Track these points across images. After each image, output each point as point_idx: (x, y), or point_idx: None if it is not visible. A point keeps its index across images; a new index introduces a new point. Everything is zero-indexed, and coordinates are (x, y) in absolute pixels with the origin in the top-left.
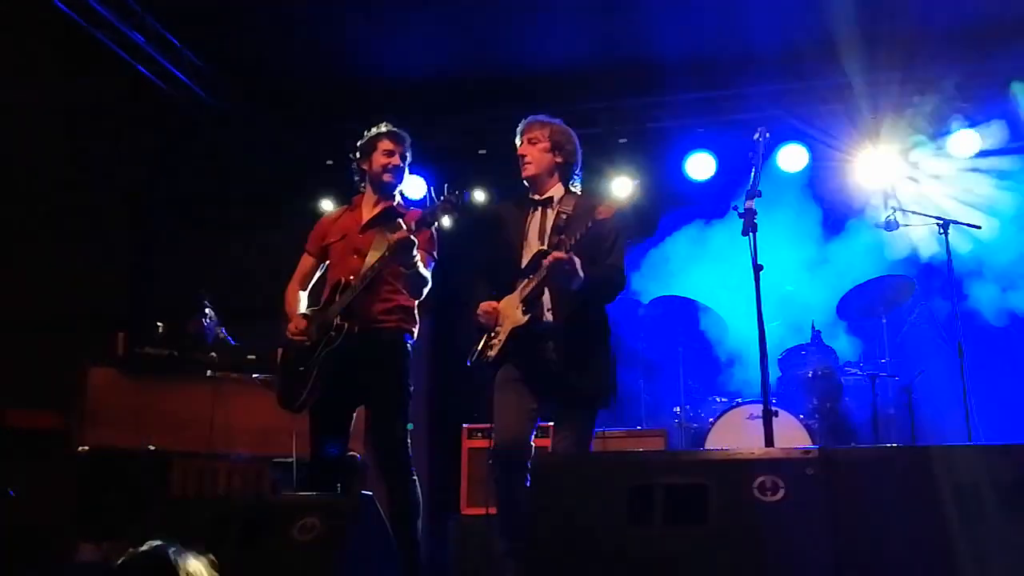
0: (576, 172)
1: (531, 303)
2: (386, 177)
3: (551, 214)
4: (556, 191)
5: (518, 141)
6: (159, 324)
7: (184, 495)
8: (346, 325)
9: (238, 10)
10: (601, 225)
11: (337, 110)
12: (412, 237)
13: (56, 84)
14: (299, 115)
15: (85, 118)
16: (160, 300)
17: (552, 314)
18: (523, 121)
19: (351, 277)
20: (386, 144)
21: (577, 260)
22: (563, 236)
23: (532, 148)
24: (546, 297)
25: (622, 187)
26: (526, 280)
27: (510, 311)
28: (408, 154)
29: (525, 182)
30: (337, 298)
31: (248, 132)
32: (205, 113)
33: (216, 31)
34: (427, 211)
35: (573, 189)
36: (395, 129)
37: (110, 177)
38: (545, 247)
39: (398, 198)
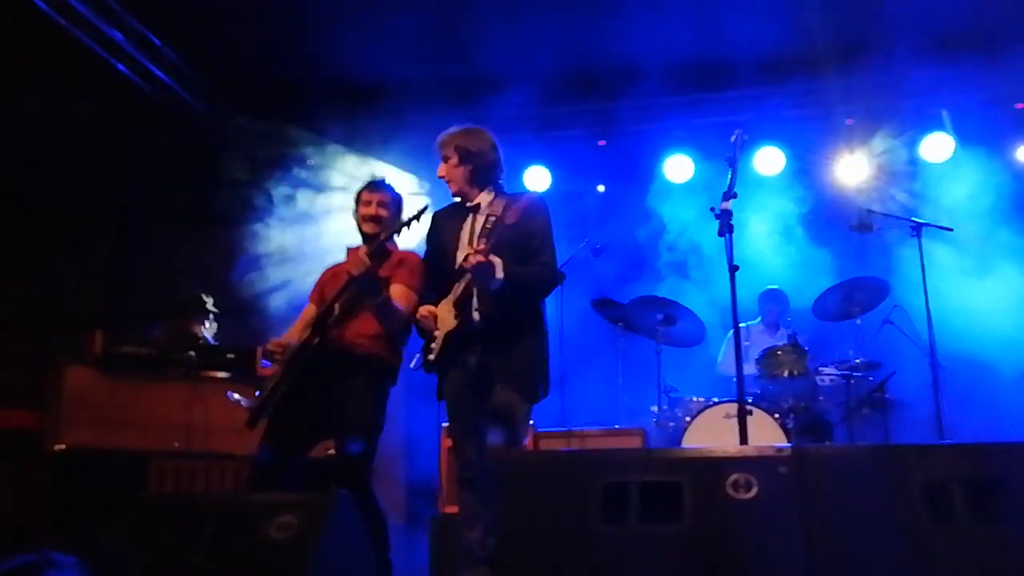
0: (499, 170)
1: (461, 306)
2: (365, 227)
3: (480, 219)
4: (483, 196)
5: (443, 159)
6: (158, 323)
7: (161, 494)
8: (316, 339)
9: (218, 9)
10: (525, 224)
11: (317, 110)
12: (369, 267)
13: (32, 82)
14: (279, 115)
15: (62, 116)
16: (137, 299)
17: (479, 314)
18: (443, 137)
19: (334, 302)
20: (364, 196)
21: (497, 261)
22: (483, 238)
23: (446, 167)
24: (474, 298)
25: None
26: (457, 284)
27: (444, 314)
28: (390, 199)
29: (455, 195)
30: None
31: (227, 131)
32: (184, 111)
33: (196, 30)
34: (394, 224)
35: (504, 189)
36: (373, 181)
37: (87, 175)
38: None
39: (396, 240)
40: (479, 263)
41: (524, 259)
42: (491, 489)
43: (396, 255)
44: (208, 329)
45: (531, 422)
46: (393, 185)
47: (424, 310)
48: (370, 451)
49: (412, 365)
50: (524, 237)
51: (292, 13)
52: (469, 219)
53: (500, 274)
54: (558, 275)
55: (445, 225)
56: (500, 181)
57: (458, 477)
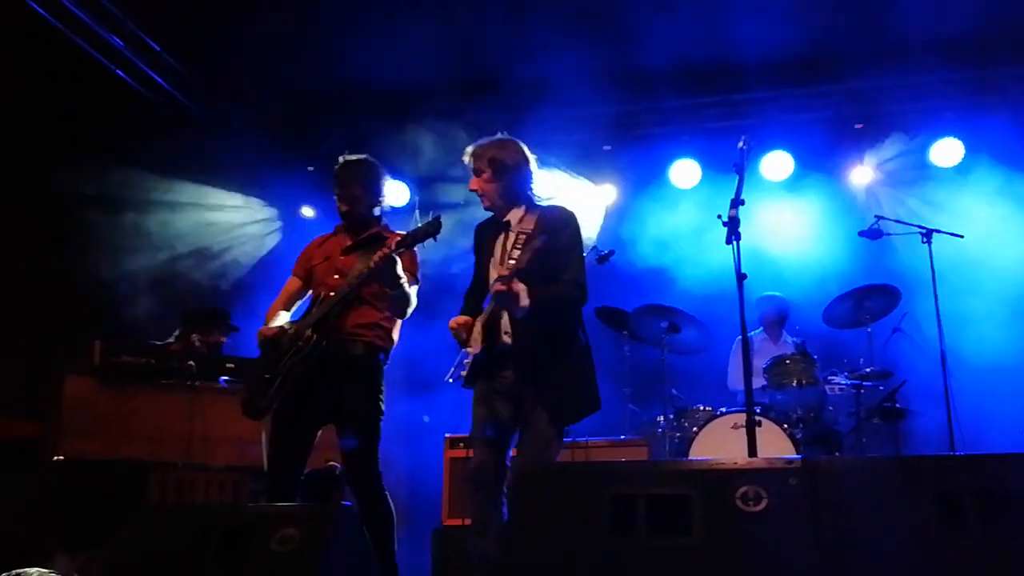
0: (529, 183)
1: (488, 330)
2: (340, 207)
3: (512, 236)
4: (514, 213)
5: (474, 172)
6: (175, 333)
7: (162, 506)
8: (315, 336)
9: (217, 14)
10: (552, 239)
11: (317, 116)
12: (393, 255)
13: (32, 88)
14: (280, 120)
15: (61, 122)
16: (138, 306)
17: (510, 337)
18: (473, 150)
19: (331, 293)
20: (338, 178)
21: (522, 288)
22: (509, 260)
23: (479, 181)
24: (504, 320)
25: (605, 194)
26: (491, 304)
27: (476, 334)
28: (362, 180)
29: (488, 209)
30: (314, 310)
31: (228, 137)
32: (184, 117)
33: (196, 35)
34: (408, 234)
35: (536, 202)
36: (348, 160)
37: (87, 181)
38: (504, 271)
39: (383, 220)
40: (500, 292)
41: (551, 276)
42: (504, 499)
43: (392, 240)
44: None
45: None
46: (369, 163)
47: (456, 321)
48: (377, 439)
49: (449, 378)
50: (551, 254)
51: (292, 18)
52: (502, 236)
53: (525, 302)
54: (584, 292)
55: (484, 240)
56: (531, 194)
57: (472, 481)
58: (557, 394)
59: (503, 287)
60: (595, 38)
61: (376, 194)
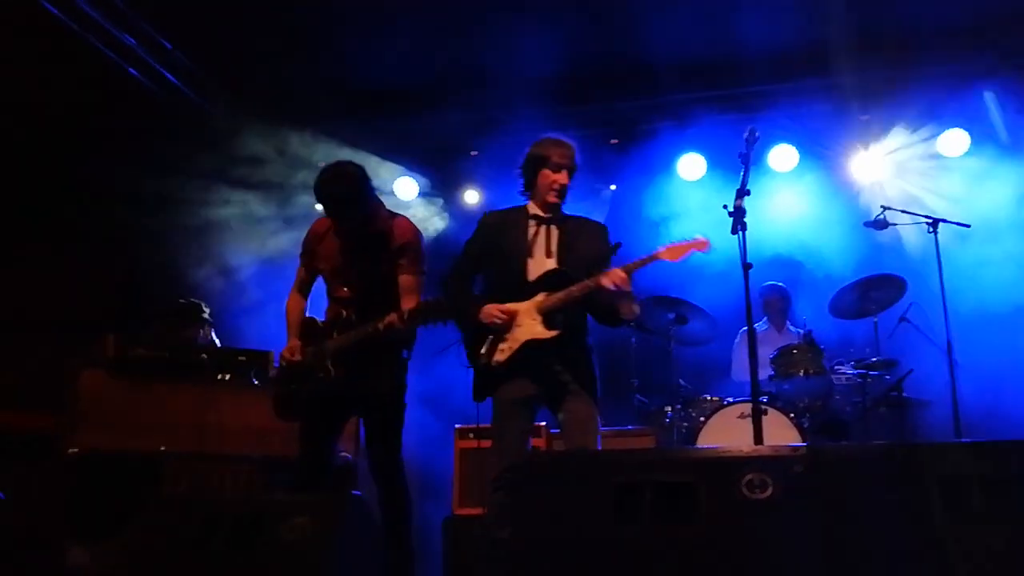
0: None
1: (551, 317)
2: (336, 224)
3: (555, 232)
4: (557, 210)
5: (563, 167)
6: (155, 325)
7: (175, 496)
8: (333, 371)
9: (229, 12)
10: (600, 247)
11: (328, 113)
12: (402, 325)
13: (46, 88)
14: (290, 118)
15: (74, 120)
16: (151, 301)
17: (551, 327)
18: (567, 146)
19: (346, 311)
20: (322, 199)
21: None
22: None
23: (567, 179)
24: (551, 310)
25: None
26: (544, 295)
27: (525, 321)
28: (346, 193)
29: (550, 204)
30: (335, 335)
31: (238, 134)
32: (195, 114)
33: (207, 33)
34: (419, 310)
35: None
36: (326, 177)
37: (100, 178)
38: (557, 266)
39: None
40: (622, 289)
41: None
42: None
43: (394, 236)
44: (204, 336)
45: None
46: (349, 174)
47: (503, 309)
48: (400, 432)
49: (469, 365)
50: (594, 260)
51: (304, 17)
52: (542, 230)
53: (636, 307)
54: None
55: (506, 230)
56: None
57: (498, 479)
58: (592, 385)
59: (628, 287)
60: (600, 32)
61: (367, 198)
